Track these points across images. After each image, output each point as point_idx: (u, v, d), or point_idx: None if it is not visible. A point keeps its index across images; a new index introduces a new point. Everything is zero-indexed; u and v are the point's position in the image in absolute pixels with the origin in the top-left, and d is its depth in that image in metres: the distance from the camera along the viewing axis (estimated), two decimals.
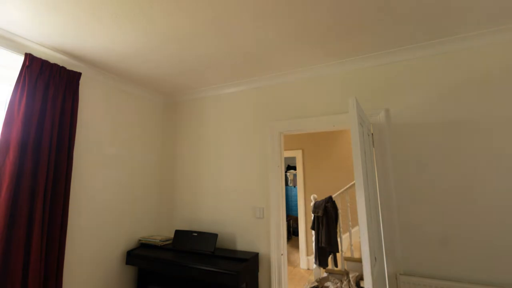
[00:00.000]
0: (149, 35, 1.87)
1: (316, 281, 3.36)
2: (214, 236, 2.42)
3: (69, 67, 2.14)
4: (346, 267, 3.45)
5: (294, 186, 8.21)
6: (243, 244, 2.49)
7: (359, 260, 3.38)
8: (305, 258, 4.37)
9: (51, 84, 1.92)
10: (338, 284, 3.12)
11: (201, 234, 2.49)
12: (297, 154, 4.72)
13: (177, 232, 2.59)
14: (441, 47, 1.99)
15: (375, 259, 1.76)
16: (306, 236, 4.42)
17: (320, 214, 3.39)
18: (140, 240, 2.66)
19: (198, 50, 2.09)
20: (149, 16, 1.66)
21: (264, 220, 2.45)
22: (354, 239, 3.96)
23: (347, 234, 4.07)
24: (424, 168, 1.96)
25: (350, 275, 3.22)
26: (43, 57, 1.99)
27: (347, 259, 3.46)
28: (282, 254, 2.37)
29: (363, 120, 1.91)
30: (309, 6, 1.59)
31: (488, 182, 1.78)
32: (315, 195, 3.71)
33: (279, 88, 2.58)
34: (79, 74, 2.11)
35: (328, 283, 3.15)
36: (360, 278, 3.16)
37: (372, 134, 2.18)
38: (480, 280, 1.72)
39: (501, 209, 1.73)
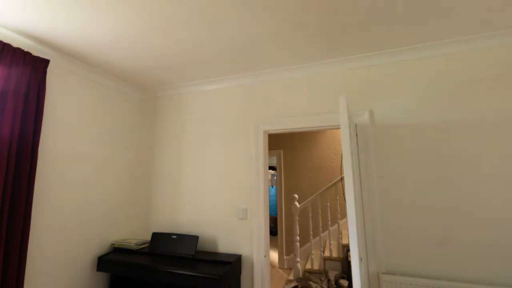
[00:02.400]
0: (131, 24, 1.72)
1: (296, 280, 3.36)
2: (194, 238, 2.31)
3: (35, 53, 1.92)
4: (325, 266, 3.49)
5: (272, 186, 8.24)
6: (225, 246, 2.41)
7: (338, 259, 3.44)
8: (284, 257, 4.37)
9: (13, 71, 1.71)
10: (319, 284, 3.14)
11: (181, 237, 2.36)
12: (277, 154, 4.71)
13: (155, 235, 2.45)
14: (426, 51, 2.05)
15: (361, 259, 1.77)
16: (285, 236, 4.43)
17: None
18: (113, 244, 2.47)
19: (182, 43, 1.97)
20: (132, 2, 1.53)
21: (247, 221, 2.38)
22: (332, 237, 4.03)
23: (326, 232, 4.13)
24: (406, 169, 2.01)
25: (330, 274, 3.26)
26: (4, 40, 1.76)
27: (326, 258, 3.50)
28: (265, 256, 2.32)
29: (351, 121, 1.92)
30: (299, 4, 1.56)
31: (467, 182, 1.86)
32: (296, 195, 3.71)
33: (264, 86, 2.53)
34: (47, 61, 1.90)
35: (308, 283, 3.15)
36: (339, 277, 3.20)
37: (357, 134, 2.21)
38: (457, 278, 1.79)
39: (480, 209, 1.81)
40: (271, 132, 2.50)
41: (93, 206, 2.33)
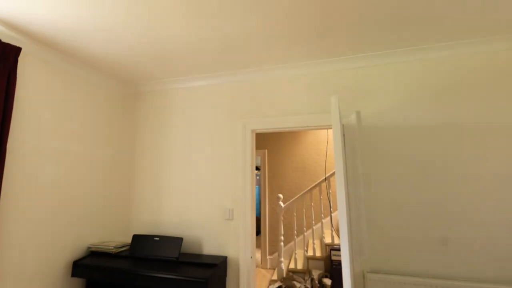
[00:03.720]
0: (111, 11, 1.61)
1: (280, 280, 3.36)
2: (178, 240, 2.22)
3: (5, 40, 1.75)
4: (308, 266, 3.52)
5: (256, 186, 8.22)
6: (210, 248, 2.34)
7: (321, 259, 3.47)
8: (267, 257, 4.36)
9: None
10: (302, 283, 3.16)
11: (164, 239, 2.27)
12: (261, 154, 4.69)
13: (136, 237, 2.33)
14: (412, 55, 2.10)
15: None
16: (269, 236, 4.42)
17: None
18: (89, 247, 2.32)
19: (170, 35, 1.88)
20: None
21: (234, 221, 2.33)
22: (315, 237, 4.07)
23: (309, 232, 4.17)
24: (390, 170, 2.05)
25: (313, 273, 3.29)
26: None
27: (309, 257, 3.53)
28: (251, 257, 2.29)
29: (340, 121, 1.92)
30: (288, 2, 1.54)
31: (447, 183, 1.93)
32: (281, 195, 3.71)
33: (252, 85, 2.49)
34: (19, 49, 1.74)
35: (292, 283, 3.16)
36: (322, 276, 3.24)
37: (344, 135, 2.23)
38: (439, 275, 1.86)
39: (461, 208, 1.88)
40: (259, 131, 2.47)
41: (68, 207, 2.17)
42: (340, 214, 1.52)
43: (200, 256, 2.25)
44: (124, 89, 2.82)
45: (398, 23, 1.76)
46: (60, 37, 1.88)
